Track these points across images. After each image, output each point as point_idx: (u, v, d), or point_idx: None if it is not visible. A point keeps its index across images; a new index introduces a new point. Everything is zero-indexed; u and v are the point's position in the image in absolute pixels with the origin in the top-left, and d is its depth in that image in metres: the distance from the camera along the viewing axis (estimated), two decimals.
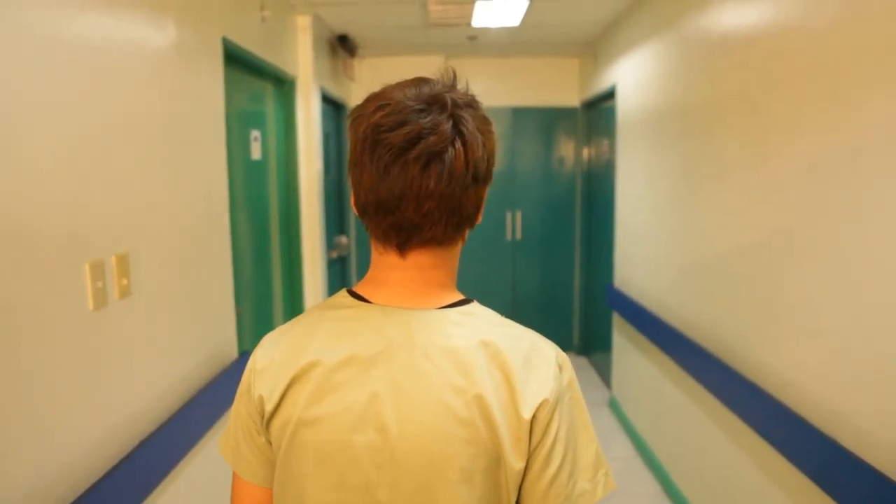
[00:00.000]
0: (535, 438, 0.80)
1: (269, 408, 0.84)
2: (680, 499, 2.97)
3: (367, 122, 0.80)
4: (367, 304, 0.86)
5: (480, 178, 0.83)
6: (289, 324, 0.91)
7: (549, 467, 0.80)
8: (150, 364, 1.79)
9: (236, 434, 0.91)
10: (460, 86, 0.86)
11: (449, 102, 0.81)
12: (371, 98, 0.84)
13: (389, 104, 0.80)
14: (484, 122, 0.85)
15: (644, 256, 3.54)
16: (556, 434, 0.80)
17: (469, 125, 0.81)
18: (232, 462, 0.92)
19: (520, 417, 0.79)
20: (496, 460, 0.79)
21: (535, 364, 0.82)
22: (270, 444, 0.87)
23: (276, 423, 0.84)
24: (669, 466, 3.18)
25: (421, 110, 0.79)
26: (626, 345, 3.94)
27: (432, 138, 0.78)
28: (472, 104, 0.84)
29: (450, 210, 0.81)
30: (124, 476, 1.55)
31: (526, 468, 0.80)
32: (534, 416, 0.79)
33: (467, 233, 0.88)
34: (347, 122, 0.86)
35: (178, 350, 1.97)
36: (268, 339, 0.90)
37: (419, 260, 0.85)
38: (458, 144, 0.79)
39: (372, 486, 0.80)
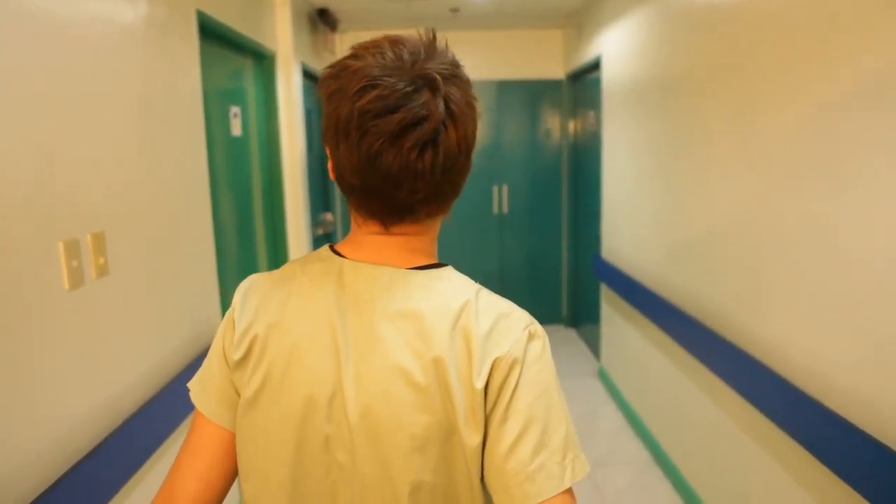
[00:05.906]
0: (489, 404, 0.76)
1: (236, 357, 0.84)
2: (669, 465, 3.00)
3: (352, 106, 0.75)
4: (340, 258, 0.85)
5: (470, 150, 0.83)
6: (270, 273, 0.90)
7: (503, 438, 0.75)
8: (132, 344, 1.76)
9: (209, 373, 0.89)
10: (440, 45, 0.82)
11: (438, 81, 0.77)
12: (348, 72, 0.78)
13: (375, 87, 0.75)
14: (467, 90, 0.82)
15: (630, 227, 3.53)
16: (511, 401, 0.76)
17: (458, 102, 0.79)
18: (197, 398, 0.89)
19: (473, 387, 0.75)
20: (451, 432, 0.76)
21: (500, 331, 0.78)
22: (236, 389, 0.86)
23: (243, 374, 0.84)
24: (658, 434, 3.21)
25: (411, 92, 0.75)
26: (613, 315, 3.95)
27: (426, 125, 0.75)
28: (456, 73, 0.81)
29: (443, 191, 0.81)
30: (106, 458, 1.53)
31: (484, 441, 0.77)
32: (487, 384, 0.76)
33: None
34: (319, 90, 0.81)
35: (159, 329, 1.94)
36: (250, 284, 0.89)
37: (405, 229, 0.84)
38: (451, 126, 0.78)
39: (331, 446, 0.79)
